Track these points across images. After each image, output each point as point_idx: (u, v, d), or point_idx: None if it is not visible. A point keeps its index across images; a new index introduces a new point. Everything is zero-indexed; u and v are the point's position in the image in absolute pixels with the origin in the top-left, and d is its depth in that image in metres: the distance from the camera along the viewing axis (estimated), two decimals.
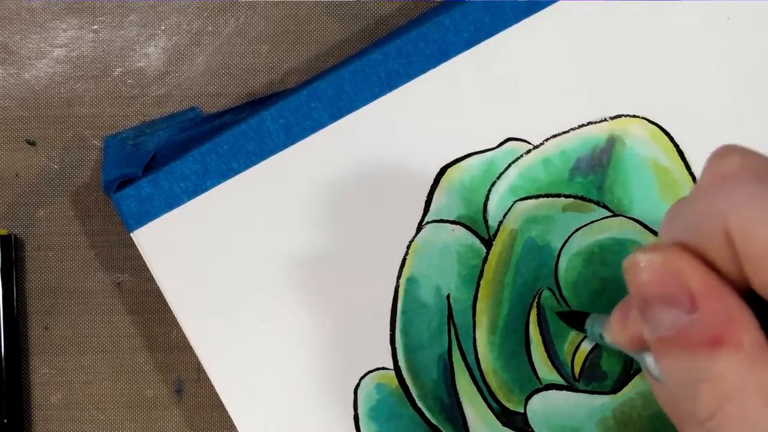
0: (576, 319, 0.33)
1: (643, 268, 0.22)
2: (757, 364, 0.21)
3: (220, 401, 0.34)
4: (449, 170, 0.34)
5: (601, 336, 0.29)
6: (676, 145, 0.34)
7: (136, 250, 0.34)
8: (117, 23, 0.37)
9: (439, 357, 0.34)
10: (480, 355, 0.34)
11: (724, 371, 0.21)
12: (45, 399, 0.37)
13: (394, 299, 0.34)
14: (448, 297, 0.34)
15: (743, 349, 0.21)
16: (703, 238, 0.21)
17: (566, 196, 0.34)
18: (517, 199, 0.34)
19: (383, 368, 0.34)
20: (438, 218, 0.34)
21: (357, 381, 0.34)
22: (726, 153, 0.22)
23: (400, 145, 0.34)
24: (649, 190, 0.34)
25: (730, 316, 0.21)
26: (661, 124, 0.34)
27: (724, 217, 0.20)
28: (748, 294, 0.21)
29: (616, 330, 0.26)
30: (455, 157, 0.34)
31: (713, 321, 0.21)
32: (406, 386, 0.34)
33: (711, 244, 0.21)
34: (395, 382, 0.34)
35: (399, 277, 0.34)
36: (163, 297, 0.34)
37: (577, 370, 0.34)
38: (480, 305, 0.34)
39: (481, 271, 0.34)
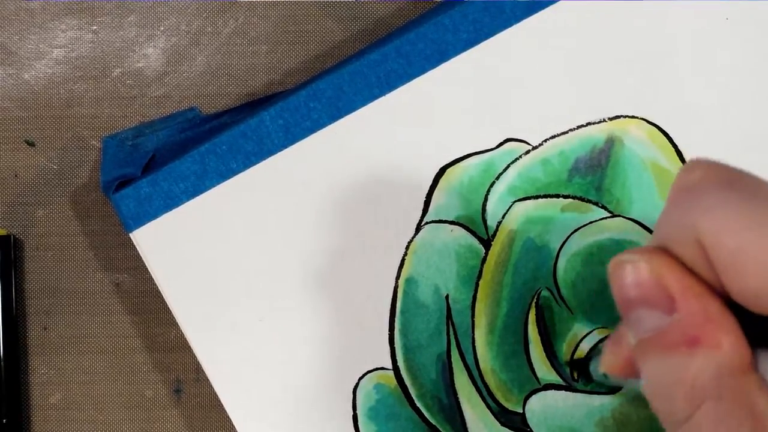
0: (583, 368, 0.33)
1: (627, 270, 0.22)
2: (735, 365, 0.21)
3: (219, 401, 0.34)
4: (448, 170, 0.34)
5: (605, 375, 0.29)
6: (675, 146, 0.34)
7: (135, 250, 0.34)
8: (116, 24, 0.37)
9: (437, 357, 0.34)
10: (479, 355, 0.34)
11: (702, 371, 0.21)
12: (44, 399, 0.37)
13: (393, 299, 0.34)
14: (446, 297, 0.34)
15: (722, 349, 0.21)
16: (680, 248, 0.22)
17: (565, 197, 0.34)
18: (516, 199, 0.34)
19: (382, 368, 0.34)
20: (437, 218, 0.34)
21: (356, 381, 0.34)
22: (692, 166, 0.22)
23: (399, 145, 0.34)
24: (648, 190, 0.34)
25: (709, 317, 0.21)
26: (660, 125, 0.34)
27: (695, 227, 0.21)
28: (730, 303, 0.21)
29: (610, 357, 0.26)
30: (454, 158, 0.34)
31: (692, 322, 0.21)
32: (405, 386, 0.34)
33: (689, 254, 0.21)
34: (394, 382, 0.34)
35: (398, 277, 0.34)
36: (162, 297, 0.34)
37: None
38: (479, 305, 0.34)
39: (480, 272, 0.34)
